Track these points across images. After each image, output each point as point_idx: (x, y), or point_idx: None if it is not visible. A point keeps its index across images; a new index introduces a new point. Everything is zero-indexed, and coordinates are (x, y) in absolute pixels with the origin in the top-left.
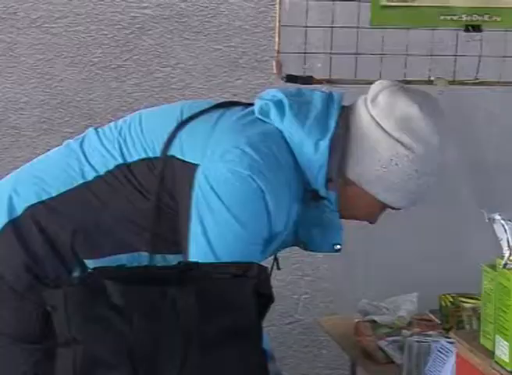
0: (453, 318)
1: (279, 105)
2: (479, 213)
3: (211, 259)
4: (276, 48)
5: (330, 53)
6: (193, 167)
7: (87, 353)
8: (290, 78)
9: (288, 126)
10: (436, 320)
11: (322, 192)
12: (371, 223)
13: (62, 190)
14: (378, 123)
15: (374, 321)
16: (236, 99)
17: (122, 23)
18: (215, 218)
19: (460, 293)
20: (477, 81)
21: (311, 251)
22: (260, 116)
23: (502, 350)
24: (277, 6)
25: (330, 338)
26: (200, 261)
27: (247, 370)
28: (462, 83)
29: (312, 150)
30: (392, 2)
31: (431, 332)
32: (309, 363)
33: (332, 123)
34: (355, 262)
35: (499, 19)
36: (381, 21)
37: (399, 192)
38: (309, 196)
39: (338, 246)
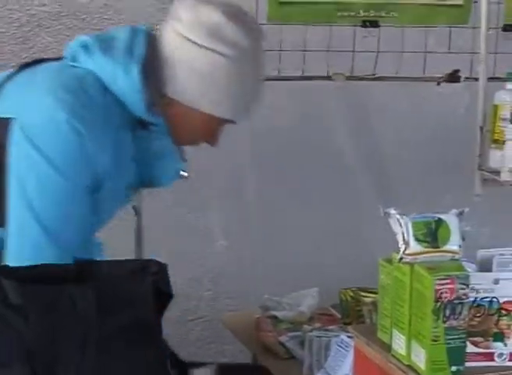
0: (353, 312)
1: (85, 47)
2: (377, 207)
3: (31, 218)
4: None
5: (306, 50)
6: (6, 122)
7: None
8: None
9: (98, 63)
10: (337, 315)
11: (147, 118)
12: (212, 145)
13: None
14: (186, 38)
15: (275, 317)
16: None
17: (20, 21)
18: (35, 173)
19: (361, 287)
20: (374, 76)
21: (158, 186)
22: (72, 63)
23: (398, 344)
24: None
25: (233, 334)
26: (20, 222)
27: (146, 367)
28: (360, 78)
29: (124, 77)
30: None
31: (331, 327)
32: (212, 359)
33: (140, 49)
34: (256, 260)
35: (396, 14)
36: (278, 17)
37: (224, 101)
38: (138, 127)
39: (183, 172)
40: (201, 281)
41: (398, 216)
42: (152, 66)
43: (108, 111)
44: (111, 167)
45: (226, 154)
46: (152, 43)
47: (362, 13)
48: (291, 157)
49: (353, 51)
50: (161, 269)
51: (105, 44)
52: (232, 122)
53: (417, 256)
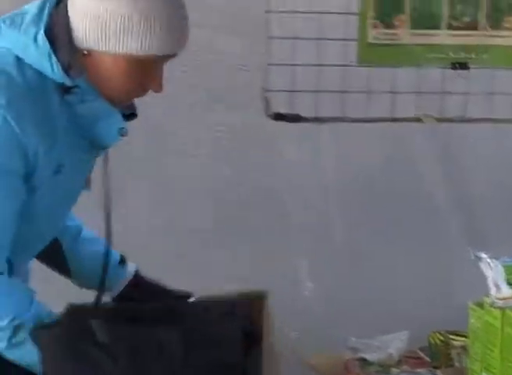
0: (442, 356)
1: None
2: (467, 250)
3: None
4: (264, 86)
5: (317, 91)
6: None
7: None
8: (278, 116)
9: (7, 39)
10: (426, 358)
11: (67, 81)
12: (155, 90)
13: None
14: None
15: (363, 359)
16: (222, 136)
17: None
18: None
19: (450, 330)
20: (464, 118)
21: (103, 148)
22: None
23: None
24: (265, 44)
25: None
26: None
27: None
28: (450, 120)
29: (34, 46)
30: (379, 40)
31: (420, 370)
32: None
33: (45, 16)
34: (343, 301)
35: (486, 56)
36: (368, 59)
37: (132, 36)
38: (64, 94)
39: (123, 130)
40: (288, 322)
41: (489, 260)
42: (59, 27)
43: (28, 85)
44: (43, 141)
45: (313, 194)
46: (62, 8)
47: (452, 55)
48: (379, 198)
49: (442, 92)
50: (251, 310)
51: (13, 20)
52: (156, 57)
53: (509, 300)
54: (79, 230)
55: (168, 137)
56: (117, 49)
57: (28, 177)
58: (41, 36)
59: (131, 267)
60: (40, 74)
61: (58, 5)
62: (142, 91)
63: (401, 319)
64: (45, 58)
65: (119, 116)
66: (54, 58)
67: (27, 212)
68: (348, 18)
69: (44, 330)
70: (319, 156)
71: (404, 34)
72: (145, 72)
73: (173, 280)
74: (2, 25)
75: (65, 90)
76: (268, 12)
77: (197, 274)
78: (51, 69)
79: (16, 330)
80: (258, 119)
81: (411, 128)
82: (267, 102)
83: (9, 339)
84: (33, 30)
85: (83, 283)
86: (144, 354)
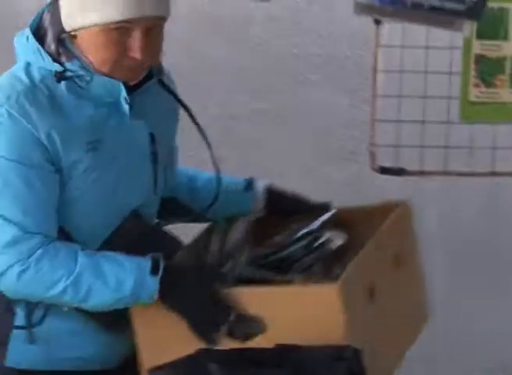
0: None
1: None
2: None
3: None
4: (370, 140)
5: (421, 146)
6: None
7: None
8: (384, 170)
9: (18, 48)
10: None
11: (58, 68)
12: (137, 57)
13: None
14: None
15: None
16: (331, 189)
17: None
18: None
19: None
20: None
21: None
22: None
23: None
24: (371, 101)
25: None
26: None
27: None
28: None
29: (27, 45)
30: (480, 99)
31: None
32: None
33: (35, 18)
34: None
35: None
36: (470, 116)
37: (94, 8)
38: (59, 82)
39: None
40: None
41: None
42: (48, 22)
43: (32, 83)
44: (54, 125)
45: None
46: (54, 1)
47: None
48: (481, 249)
49: None
50: (356, 355)
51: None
52: (125, 22)
53: None
54: (191, 180)
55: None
56: (86, 23)
57: (55, 163)
58: (29, 34)
59: (259, 186)
60: (43, 71)
61: (53, 3)
62: (129, 59)
63: None
64: (37, 53)
65: (120, 85)
66: (42, 50)
67: (76, 196)
68: (451, 77)
69: (160, 372)
70: (423, 208)
71: (504, 93)
72: (123, 40)
73: None
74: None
75: (59, 77)
76: (374, 70)
77: None
78: (43, 60)
79: (75, 283)
80: (364, 172)
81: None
82: (373, 156)
83: (75, 295)
84: (26, 33)
85: (217, 216)
86: None
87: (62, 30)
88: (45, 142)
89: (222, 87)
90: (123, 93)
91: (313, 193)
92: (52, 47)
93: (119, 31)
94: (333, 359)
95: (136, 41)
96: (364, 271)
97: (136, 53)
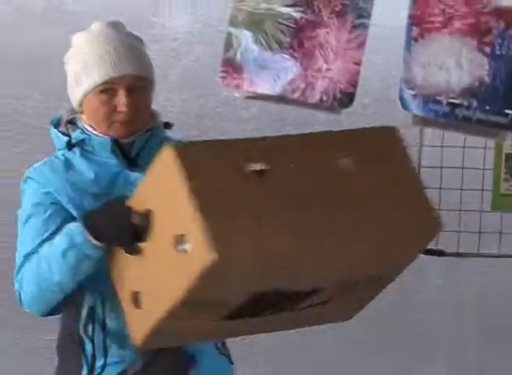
0: None
1: None
2: None
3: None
4: None
5: (458, 231)
6: None
7: None
8: (427, 251)
9: None
10: None
11: (66, 140)
12: (122, 110)
13: None
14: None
15: None
16: None
17: None
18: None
19: None
20: None
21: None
22: None
23: None
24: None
25: None
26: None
27: None
28: None
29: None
30: (510, 191)
31: None
32: None
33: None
34: None
35: None
36: (500, 206)
37: (82, 80)
38: (68, 150)
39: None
40: None
41: None
42: (64, 111)
43: (57, 159)
44: (67, 190)
45: (449, 315)
46: None
47: None
48: None
49: None
50: None
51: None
52: (108, 83)
53: None
54: None
55: None
56: (81, 92)
57: (64, 206)
58: (51, 127)
59: None
60: (60, 146)
61: None
62: (117, 115)
63: None
64: (55, 137)
65: (108, 140)
66: (57, 132)
67: None
68: (485, 172)
69: None
70: (460, 286)
71: None
72: (112, 100)
73: None
74: None
75: (69, 146)
76: (419, 166)
77: None
78: (59, 139)
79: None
80: None
81: None
82: None
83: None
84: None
85: None
86: None
87: (72, 110)
88: (55, 195)
89: None
90: (108, 147)
91: None
92: (63, 127)
93: (107, 93)
94: None
95: (121, 97)
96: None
97: (121, 107)
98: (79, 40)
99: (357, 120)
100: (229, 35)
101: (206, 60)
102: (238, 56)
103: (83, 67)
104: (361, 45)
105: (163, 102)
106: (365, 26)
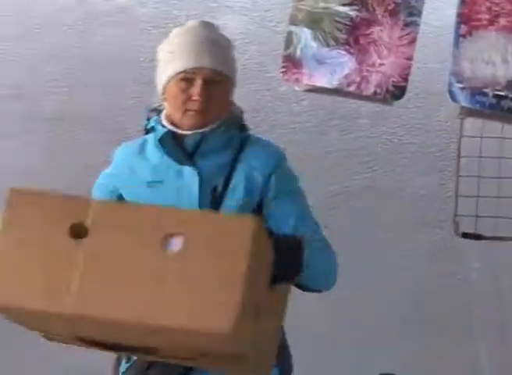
0: None
1: None
2: None
3: None
4: (454, 212)
5: (496, 216)
6: None
7: None
8: (465, 235)
9: None
10: None
11: (149, 124)
12: (195, 99)
13: None
14: None
15: None
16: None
17: None
18: None
19: None
20: None
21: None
22: None
23: None
24: (455, 180)
25: None
26: None
27: None
28: None
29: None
30: None
31: None
32: None
33: None
34: None
35: None
36: None
37: (164, 67)
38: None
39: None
40: None
41: None
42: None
43: (135, 142)
44: (126, 172)
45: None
46: None
47: None
48: None
49: None
50: None
51: None
52: (182, 73)
53: None
54: None
55: None
56: (165, 77)
57: (122, 190)
58: (144, 111)
59: None
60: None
61: None
62: (191, 104)
63: None
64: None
65: (165, 131)
66: (145, 122)
67: None
68: None
69: None
70: (498, 269)
71: None
72: (188, 88)
73: None
74: None
75: (145, 131)
76: (458, 156)
77: None
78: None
79: None
80: (449, 237)
81: None
82: (456, 224)
83: None
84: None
85: None
86: None
87: (159, 101)
88: (117, 176)
89: None
90: (158, 136)
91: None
92: (149, 113)
93: (186, 82)
94: None
95: (196, 87)
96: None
97: (195, 96)
98: (173, 33)
99: (400, 113)
100: (290, 33)
101: (260, 59)
102: (298, 52)
103: (170, 56)
104: (412, 42)
105: None
106: (416, 24)
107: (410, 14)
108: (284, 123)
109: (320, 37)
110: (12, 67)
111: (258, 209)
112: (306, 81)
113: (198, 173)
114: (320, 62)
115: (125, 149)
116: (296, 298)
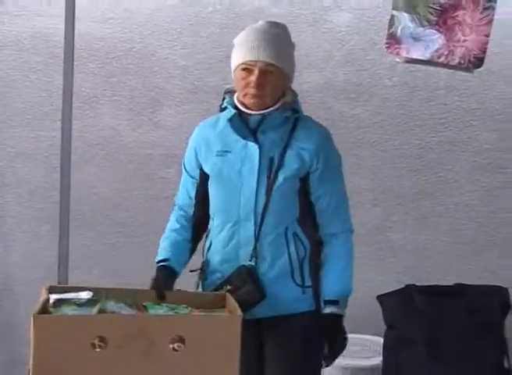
0: None
1: None
2: None
3: None
4: None
5: None
6: None
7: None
8: None
9: None
10: None
11: (224, 104)
12: (254, 87)
13: None
14: None
15: None
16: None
17: None
18: None
19: None
20: None
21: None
22: None
23: None
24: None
25: None
26: None
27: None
28: None
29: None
30: None
31: None
32: None
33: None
34: None
35: None
36: None
37: (234, 55)
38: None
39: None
40: None
41: None
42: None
43: (213, 118)
44: (204, 142)
45: None
46: None
47: None
48: None
49: None
50: (504, 291)
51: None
52: (243, 64)
53: None
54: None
55: None
56: (234, 64)
57: (202, 163)
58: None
59: None
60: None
61: None
62: (250, 89)
63: None
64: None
65: (234, 112)
66: (221, 102)
67: (218, 179)
68: None
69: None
70: None
71: None
72: (249, 76)
73: None
74: None
75: (220, 109)
76: None
77: None
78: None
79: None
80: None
81: None
82: None
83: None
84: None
85: None
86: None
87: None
88: (197, 148)
89: None
90: (228, 116)
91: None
92: (225, 94)
93: (246, 71)
94: (493, 290)
95: (253, 76)
96: None
97: (251, 83)
98: (246, 29)
99: (468, 85)
100: (392, 17)
101: (361, 46)
102: (398, 32)
103: (239, 48)
104: (490, 22)
105: (329, 75)
106: (493, 8)
107: (488, 0)
108: (379, 93)
109: (416, 20)
110: None
111: (303, 181)
112: (405, 54)
113: (259, 147)
114: (416, 39)
115: (203, 124)
116: None
